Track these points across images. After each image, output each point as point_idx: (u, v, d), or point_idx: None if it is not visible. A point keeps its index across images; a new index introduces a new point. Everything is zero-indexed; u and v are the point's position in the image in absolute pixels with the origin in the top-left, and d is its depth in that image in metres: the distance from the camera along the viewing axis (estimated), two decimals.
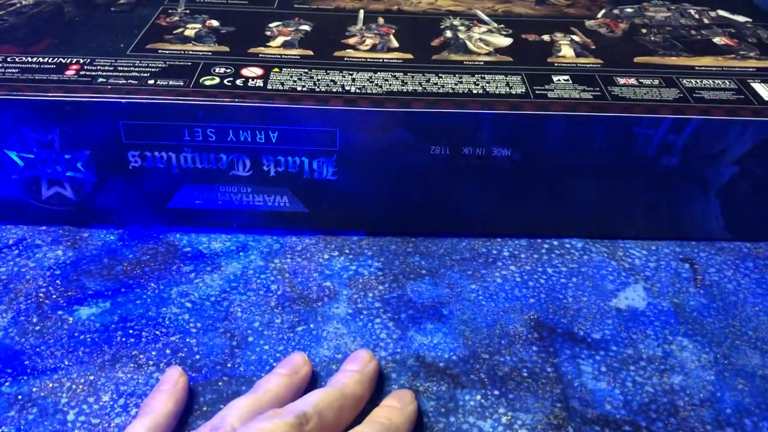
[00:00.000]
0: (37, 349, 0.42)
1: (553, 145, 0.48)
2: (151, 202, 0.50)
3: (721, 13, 0.63)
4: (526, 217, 0.51)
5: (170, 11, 0.59)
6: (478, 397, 0.40)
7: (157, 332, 0.44)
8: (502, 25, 0.59)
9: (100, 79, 0.48)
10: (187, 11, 0.60)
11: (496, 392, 0.40)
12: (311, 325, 0.44)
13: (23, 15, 0.58)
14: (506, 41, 0.56)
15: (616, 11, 0.63)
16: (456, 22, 0.60)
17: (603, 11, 0.63)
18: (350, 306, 0.46)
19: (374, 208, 0.51)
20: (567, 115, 0.46)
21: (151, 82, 0.48)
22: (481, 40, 0.56)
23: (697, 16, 0.62)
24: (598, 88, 0.49)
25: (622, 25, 0.60)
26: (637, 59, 0.54)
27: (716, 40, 0.58)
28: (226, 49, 0.53)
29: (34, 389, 0.40)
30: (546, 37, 0.57)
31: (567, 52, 0.55)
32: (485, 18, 0.61)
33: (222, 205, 0.50)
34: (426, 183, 0.49)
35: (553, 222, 0.51)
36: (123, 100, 0.46)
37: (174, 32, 0.55)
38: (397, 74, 0.50)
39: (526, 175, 0.49)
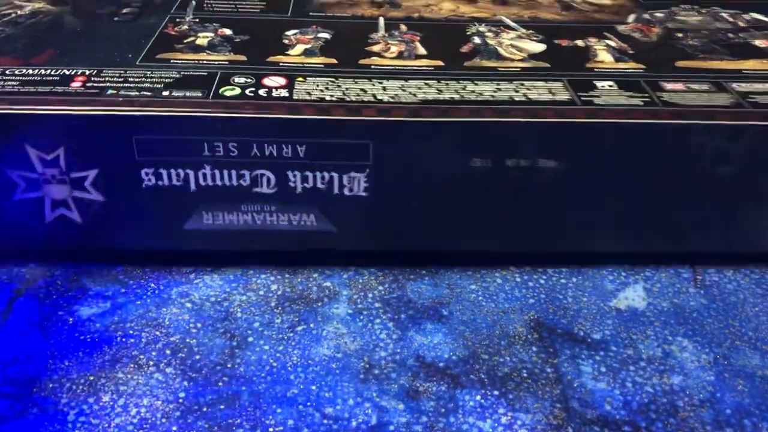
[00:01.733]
0: (38, 349, 0.41)
1: (602, 156, 0.44)
2: (166, 224, 0.46)
3: (756, 15, 0.61)
4: (567, 234, 0.48)
5: (178, 20, 0.56)
6: (478, 397, 0.40)
7: (157, 332, 0.43)
8: (531, 31, 0.56)
9: (110, 91, 0.44)
10: (196, 20, 0.56)
11: (496, 392, 0.40)
12: (311, 325, 0.44)
13: (19, 25, 0.54)
14: (539, 47, 0.53)
15: (646, 16, 0.60)
16: (482, 29, 0.56)
17: (633, 16, 0.60)
18: (350, 306, 0.45)
19: (410, 226, 0.47)
20: (620, 123, 0.43)
21: (166, 93, 0.44)
22: (512, 45, 0.53)
23: (731, 20, 0.60)
24: (646, 94, 0.46)
25: (655, 30, 0.57)
26: (679, 63, 0.51)
27: (757, 42, 0.55)
28: (243, 58, 0.50)
29: (34, 389, 0.39)
30: (580, 42, 0.54)
31: (605, 57, 0.52)
32: (512, 24, 0.58)
33: (243, 226, 0.46)
34: (466, 197, 0.46)
35: (599, 238, 0.48)
36: (137, 113, 0.42)
37: (185, 41, 0.52)
38: (430, 81, 0.47)
39: (573, 188, 0.45)
